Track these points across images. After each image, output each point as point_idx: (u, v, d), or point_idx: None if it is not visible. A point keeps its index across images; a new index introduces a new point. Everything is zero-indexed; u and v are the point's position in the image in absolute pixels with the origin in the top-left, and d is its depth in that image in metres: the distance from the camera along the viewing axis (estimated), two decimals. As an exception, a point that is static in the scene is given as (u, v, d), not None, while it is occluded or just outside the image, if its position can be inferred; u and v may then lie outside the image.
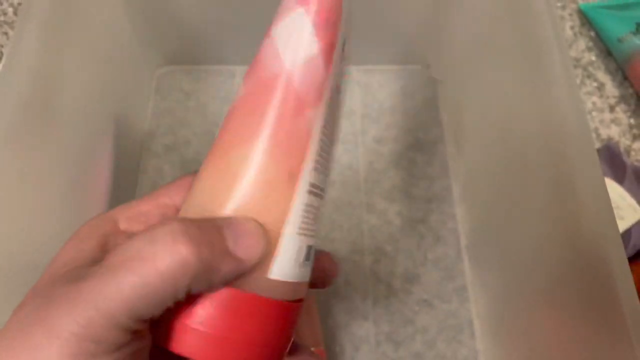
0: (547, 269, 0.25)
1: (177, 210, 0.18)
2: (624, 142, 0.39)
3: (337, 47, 0.16)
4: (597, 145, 0.39)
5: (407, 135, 0.39)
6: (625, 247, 0.33)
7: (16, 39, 0.23)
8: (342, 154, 0.38)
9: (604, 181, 0.21)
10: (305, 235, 0.16)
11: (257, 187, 0.15)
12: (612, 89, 0.41)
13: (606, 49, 0.42)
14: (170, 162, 0.37)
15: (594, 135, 0.39)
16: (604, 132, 0.39)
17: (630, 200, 0.34)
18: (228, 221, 0.15)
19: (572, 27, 0.43)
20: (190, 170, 0.37)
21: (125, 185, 0.35)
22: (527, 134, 0.26)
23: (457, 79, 0.38)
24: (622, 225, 0.33)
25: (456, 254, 0.35)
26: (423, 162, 0.38)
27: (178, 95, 0.40)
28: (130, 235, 0.16)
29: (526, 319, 0.27)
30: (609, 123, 0.40)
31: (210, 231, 0.14)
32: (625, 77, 0.41)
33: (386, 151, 0.38)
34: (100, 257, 0.15)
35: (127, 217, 0.18)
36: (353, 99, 0.40)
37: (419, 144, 0.39)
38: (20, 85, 0.23)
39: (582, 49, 0.43)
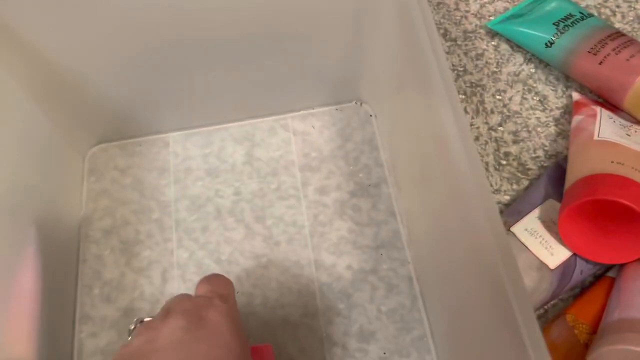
0: (479, 316, 0.24)
1: None
2: (574, 154, 0.37)
3: None
4: (546, 163, 0.37)
5: (349, 180, 0.38)
6: (571, 273, 0.31)
7: None
8: (285, 210, 0.37)
9: (505, 237, 0.20)
10: None
11: None
12: (555, 100, 0.40)
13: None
14: (111, 247, 0.36)
15: (541, 152, 0.38)
16: (552, 148, 0.38)
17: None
18: None
19: (496, 46, 0.42)
20: (133, 253, 0.36)
21: (65, 279, 0.34)
22: (436, 176, 0.25)
23: (387, 115, 0.37)
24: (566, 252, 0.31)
25: (411, 302, 0.34)
26: (368, 208, 0.37)
27: (112, 173, 0.39)
28: None
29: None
30: (555, 137, 0.38)
31: None
32: (569, 82, 0.40)
33: (330, 201, 0.37)
34: None
35: None
36: (291, 151, 0.39)
37: (363, 189, 0.37)
38: None
39: (519, 62, 0.41)
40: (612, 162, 0.31)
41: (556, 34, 0.39)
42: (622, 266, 0.31)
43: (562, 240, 0.31)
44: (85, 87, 0.35)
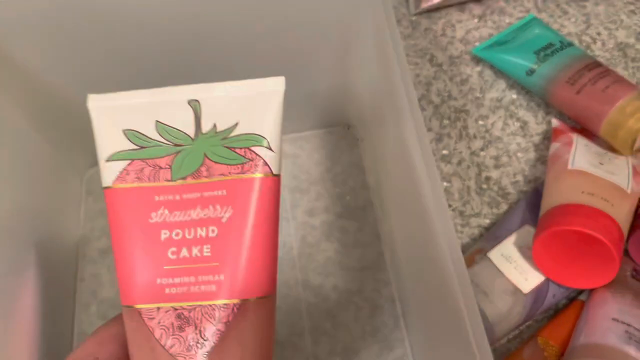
0: (448, 338, 0.25)
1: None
2: (552, 179, 0.39)
3: None
4: (525, 188, 0.39)
5: (337, 203, 0.39)
6: (544, 296, 0.33)
7: None
8: (274, 232, 0.38)
9: (466, 276, 0.21)
10: None
11: None
12: (535, 126, 0.41)
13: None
14: (107, 267, 0.38)
15: (521, 177, 0.39)
16: (531, 173, 0.39)
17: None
18: None
19: (480, 72, 0.44)
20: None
21: (63, 296, 0.36)
22: (408, 202, 0.27)
23: (372, 140, 0.39)
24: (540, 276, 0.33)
25: (393, 321, 0.35)
26: (354, 230, 0.38)
27: (109, 194, 0.41)
28: None
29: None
30: (534, 162, 0.40)
31: None
32: (549, 108, 0.42)
33: (318, 223, 0.39)
34: None
35: None
36: (282, 173, 0.40)
37: (349, 211, 0.39)
38: None
39: (502, 88, 0.43)
40: (583, 192, 0.33)
41: (537, 62, 0.41)
42: (591, 291, 0.33)
43: (535, 265, 0.33)
44: (83, 110, 0.36)
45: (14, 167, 0.32)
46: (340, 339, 0.35)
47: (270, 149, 0.20)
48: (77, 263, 0.38)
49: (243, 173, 0.20)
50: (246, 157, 0.20)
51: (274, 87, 0.20)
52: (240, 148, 0.20)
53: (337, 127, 0.42)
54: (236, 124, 0.20)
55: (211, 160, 0.20)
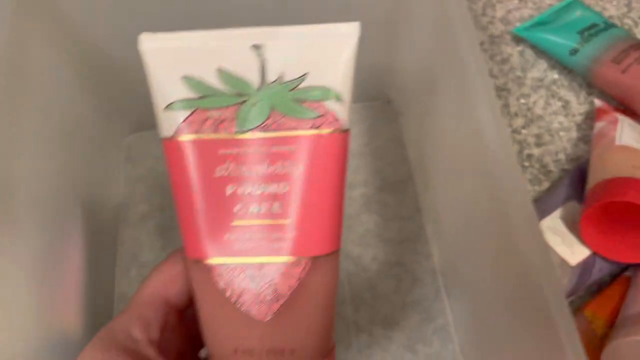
0: (504, 306, 0.25)
1: (168, 303, 0.20)
2: (594, 159, 0.39)
3: None
4: (567, 166, 0.39)
5: (376, 176, 0.39)
6: (590, 271, 0.33)
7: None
8: (314, 202, 0.38)
9: (537, 225, 0.21)
10: None
11: None
12: (577, 106, 0.41)
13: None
14: (147, 232, 0.38)
15: (563, 156, 0.39)
16: (573, 152, 0.39)
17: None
18: None
19: (521, 51, 0.44)
20: (168, 237, 0.38)
21: (104, 259, 0.36)
22: (469, 171, 0.27)
23: (415, 114, 0.38)
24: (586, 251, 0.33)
25: (434, 293, 0.35)
26: (394, 203, 0.38)
27: (149, 161, 0.41)
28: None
29: (506, 356, 0.27)
30: (576, 142, 0.40)
31: None
32: (591, 88, 0.41)
33: (357, 195, 0.39)
34: None
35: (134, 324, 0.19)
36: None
37: (389, 185, 0.39)
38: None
39: (544, 68, 0.43)
40: (633, 166, 0.32)
41: (580, 42, 0.41)
42: (639, 265, 0.33)
43: (582, 239, 0.33)
44: (127, 73, 0.36)
45: (62, 130, 0.32)
46: (381, 309, 0.35)
47: (342, 103, 0.19)
48: (118, 227, 0.38)
49: (314, 128, 0.19)
50: (317, 111, 0.19)
51: (347, 33, 0.19)
52: (311, 101, 0.19)
53: (377, 102, 0.42)
54: (305, 75, 0.19)
55: (279, 113, 0.19)
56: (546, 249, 0.20)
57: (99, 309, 0.34)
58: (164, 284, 0.20)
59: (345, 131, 0.19)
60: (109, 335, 0.18)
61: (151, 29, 0.33)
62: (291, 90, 0.19)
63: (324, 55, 0.19)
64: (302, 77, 0.19)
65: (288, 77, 0.19)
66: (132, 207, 0.39)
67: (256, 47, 0.19)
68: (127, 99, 0.39)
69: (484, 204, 0.25)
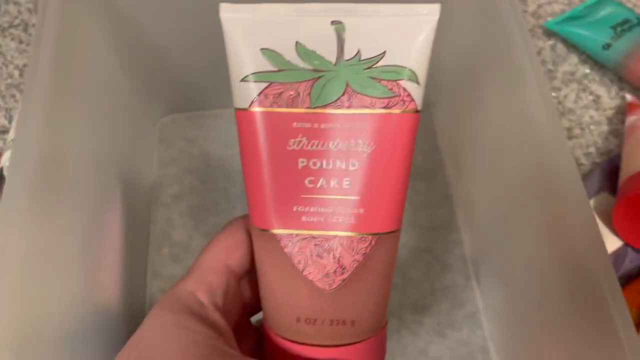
0: (545, 292, 0.25)
1: (230, 270, 0.20)
2: (625, 153, 0.39)
3: None
4: (598, 159, 0.39)
5: (408, 164, 0.39)
6: (622, 262, 0.33)
7: (22, 115, 0.24)
8: (344, 188, 0.39)
9: (589, 206, 0.21)
10: None
11: None
12: (608, 101, 0.41)
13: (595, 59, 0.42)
14: (179, 211, 0.38)
15: (593, 149, 0.39)
16: (604, 146, 0.39)
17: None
18: None
19: (553, 45, 0.44)
20: (200, 218, 0.38)
21: (138, 237, 0.37)
22: (512, 156, 0.27)
23: (449, 102, 0.39)
24: (618, 242, 0.33)
25: (464, 281, 0.35)
26: (425, 190, 0.38)
27: (181, 143, 0.41)
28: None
29: (537, 342, 0.28)
30: (607, 135, 0.40)
31: None
32: (622, 83, 0.41)
33: (388, 182, 0.39)
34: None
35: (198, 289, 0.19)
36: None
37: (420, 172, 0.39)
38: (30, 162, 0.24)
39: (575, 62, 0.43)
40: (669, 159, 0.33)
41: (614, 37, 0.41)
42: (672, 258, 0.33)
43: (614, 230, 0.33)
44: (163, 55, 0.37)
45: (103, 110, 0.33)
46: (411, 294, 0.35)
47: (418, 83, 0.19)
48: (150, 207, 0.39)
49: (388, 108, 0.19)
50: (393, 90, 0.19)
51: (427, 14, 0.19)
52: (387, 80, 0.19)
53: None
54: (383, 53, 0.19)
55: (354, 90, 0.19)
56: (598, 234, 0.21)
57: (133, 286, 0.34)
58: (225, 250, 0.20)
59: (418, 112, 0.19)
60: (175, 299, 0.19)
61: (193, 11, 0.33)
62: (367, 68, 0.19)
63: (402, 34, 0.19)
64: (380, 56, 0.19)
65: (365, 55, 0.19)
66: (164, 188, 0.39)
67: (335, 23, 0.19)
68: (163, 81, 0.39)
69: (529, 189, 0.25)
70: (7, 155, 0.39)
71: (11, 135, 0.40)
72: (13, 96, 0.44)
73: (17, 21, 0.47)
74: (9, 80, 0.45)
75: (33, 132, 0.24)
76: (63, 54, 0.27)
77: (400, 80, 0.19)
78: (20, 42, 0.46)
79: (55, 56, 0.26)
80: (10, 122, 0.43)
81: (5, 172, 0.38)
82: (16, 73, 0.45)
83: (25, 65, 0.45)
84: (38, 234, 0.23)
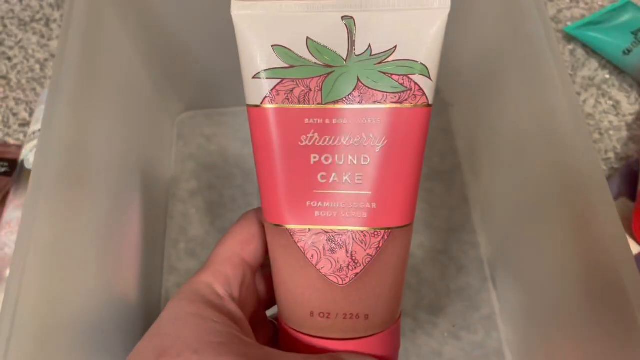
0: (564, 294, 0.25)
1: (245, 262, 0.21)
2: (644, 159, 0.39)
3: None
4: (617, 165, 0.39)
5: (424, 165, 0.39)
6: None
7: (48, 108, 0.25)
8: (361, 188, 0.39)
9: (614, 207, 0.21)
10: None
11: None
12: (627, 107, 0.41)
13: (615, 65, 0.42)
14: (196, 207, 0.39)
15: (612, 154, 0.39)
16: (623, 151, 0.39)
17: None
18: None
19: (572, 50, 0.44)
20: (216, 214, 0.38)
21: (155, 231, 0.37)
22: (535, 157, 0.27)
23: (467, 104, 0.39)
24: (637, 247, 0.33)
25: (480, 283, 0.35)
26: (441, 192, 0.38)
27: (199, 139, 0.41)
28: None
29: (555, 347, 0.28)
30: (626, 141, 0.40)
31: None
32: (641, 93, 0.41)
33: (404, 183, 0.39)
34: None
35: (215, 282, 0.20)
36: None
37: (436, 174, 0.39)
38: (55, 155, 0.24)
39: (594, 67, 0.43)
40: (690, 165, 0.32)
41: (634, 42, 0.41)
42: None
43: (633, 235, 0.33)
44: (183, 52, 0.37)
45: (124, 104, 0.33)
46: (426, 294, 0.35)
47: (430, 77, 0.19)
48: (167, 202, 0.39)
49: (400, 102, 0.19)
50: (404, 85, 0.19)
51: (438, 7, 0.19)
52: (398, 75, 0.19)
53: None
54: (394, 48, 0.19)
55: (365, 85, 0.19)
56: (624, 236, 0.20)
57: (149, 279, 0.35)
58: (240, 243, 0.21)
59: (429, 106, 0.19)
60: (192, 290, 0.19)
61: (213, 9, 0.34)
62: (378, 62, 0.19)
63: (413, 29, 0.19)
64: (391, 50, 0.19)
65: (376, 50, 0.19)
66: (182, 183, 0.40)
67: (346, 19, 0.19)
68: (182, 78, 0.40)
69: (552, 191, 0.25)
70: (28, 147, 0.39)
71: (32, 128, 0.40)
72: (34, 89, 0.44)
73: (38, 16, 0.48)
74: (30, 74, 0.45)
75: (58, 125, 0.24)
76: (89, 50, 0.27)
77: (411, 74, 0.19)
78: (42, 36, 0.47)
79: (82, 51, 0.26)
80: (30, 115, 0.43)
81: (25, 165, 0.39)
82: (37, 67, 0.45)
83: (46, 60, 0.46)
84: (62, 225, 0.23)
